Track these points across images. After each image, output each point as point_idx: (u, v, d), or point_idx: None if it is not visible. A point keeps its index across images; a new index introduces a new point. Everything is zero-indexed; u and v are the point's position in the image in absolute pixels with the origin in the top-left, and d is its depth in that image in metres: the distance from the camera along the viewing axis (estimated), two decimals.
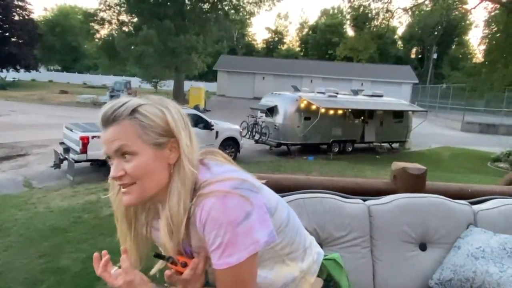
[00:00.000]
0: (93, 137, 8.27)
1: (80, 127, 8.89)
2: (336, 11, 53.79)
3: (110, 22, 29.45)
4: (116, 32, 28.66)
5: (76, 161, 8.22)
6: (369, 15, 16.82)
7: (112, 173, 0.93)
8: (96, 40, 31.62)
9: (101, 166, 8.92)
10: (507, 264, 1.47)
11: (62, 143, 9.10)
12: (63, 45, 48.71)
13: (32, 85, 36.85)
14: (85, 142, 8.13)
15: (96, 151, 8.34)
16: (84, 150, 8.14)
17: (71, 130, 8.71)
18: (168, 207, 0.93)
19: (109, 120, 0.92)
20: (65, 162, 8.53)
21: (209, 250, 0.92)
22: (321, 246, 1.62)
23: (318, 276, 1.13)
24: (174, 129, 0.95)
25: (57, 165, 8.71)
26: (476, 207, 1.80)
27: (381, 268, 1.66)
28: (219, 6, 30.25)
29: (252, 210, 0.90)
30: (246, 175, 0.98)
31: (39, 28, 38.05)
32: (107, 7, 28.61)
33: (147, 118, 0.93)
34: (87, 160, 8.47)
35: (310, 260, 1.12)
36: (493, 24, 15.20)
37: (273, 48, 58.67)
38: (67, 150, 8.65)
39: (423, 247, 1.71)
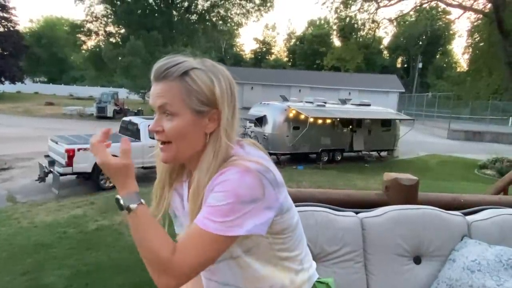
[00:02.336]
0: (78, 149, 8.15)
1: (66, 139, 8.76)
2: (323, 21, 54.45)
3: (97, 33, 29.34)
4: (103, 43, 28.52)
5: (62, 174, 8.08)
6: (355, 25, 17.01)
7: (151, 126, 0.98)
8: (83, 51, 31.43)
9: (87, 179, 8.76)
10: (504, 277, 1.43)
11: (47, 156, 8.93)
12: (49, 56, 48.27)
13: (17, 97, 36.31)
14: (70, 154, 8.00)
15: (82, 164, 8.21)
16: (69, 163, 8.01)
17: (56, 143, 8.56)
18: (198, 173, 0.96)
19: (159, 76, 0.95)
20: (50, 176, 8.37)
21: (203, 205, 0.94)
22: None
23: None
24: (218, 101, 0.96)
25: (42, 179, 8.53)
26: (470, 217, 1.77)
27: (375, 283, 1.61)
28: (207, 17, 30.42)
29: (259, 199, 0.91)
30: (275, 168, 0.98)
31: (25, 40, 37.61)
32: (94, 19, 28.52)
33: (195, 84, 0.95)
34: (72, 173, 8.34)
35: (305, 278, 1.10)
36: (476, 33, 15.50)
37: (261, 58, 59.03)
38: (52, 163, 8.49)
39: (417, 260, 1.67)
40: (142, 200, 0.93)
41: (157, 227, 0.95)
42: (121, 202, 0.92)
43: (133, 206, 0.91)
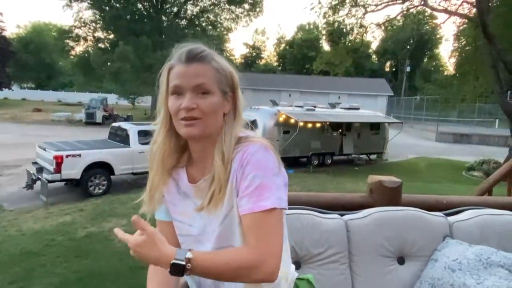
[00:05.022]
0: (67, 156, 8.08)
1: (54, 146, 8.68)
2: (312, 26, 54.72)
3: (85, 39, 29.09)
4: (92, 48, 28.32)
5: (50, 181, 7.99)
6: (344, 30, 17.20)
7: (186, 103, 0.99)
8: (72, 57, 31.15)
9: (75, 186, 8.69)
10: (484, 275, 1.47)
11: (35, 162, 8.83)
12: (37, 62, 47.72)
13: (4, 103, 35.83)
14: (59, 161, 7.93)
15: (71, 171, 8.14)
16: (58, 170, 7.94)
17: (44, 149, 8.48)
18: (223, 143, 1.02)
19: (195, 58, 1.02)
20: (38, 183, 8.27)
21: (242, 194, 0.98)
22: (300, 264, 1.60)
23: None
24: (236, 85, 1.08)
25: (29, 186, 8.43)
26: (452, 218, 1.81)
27: (360, 284, 1.64)
28: (197, 22, 30.43)
29: (280, 174, 1.01)
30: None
31: (12, 46, 37.17)
32: (83, 24, 28.29)
33: (222, 68, 1.05)
34: (61, 180, 8.26)
35: (291, 278, 1.14)
36: (462, 37, 15.76)
37: (251, 63, 59.12)
38: (40, 170, 8.40)
39: (401, 260, 1.70)
40: (187, 251, 0.92)
41: (218, 253, 0.99)
42: (179, 263, 0.89)
43: (189, 255, 0.90)
